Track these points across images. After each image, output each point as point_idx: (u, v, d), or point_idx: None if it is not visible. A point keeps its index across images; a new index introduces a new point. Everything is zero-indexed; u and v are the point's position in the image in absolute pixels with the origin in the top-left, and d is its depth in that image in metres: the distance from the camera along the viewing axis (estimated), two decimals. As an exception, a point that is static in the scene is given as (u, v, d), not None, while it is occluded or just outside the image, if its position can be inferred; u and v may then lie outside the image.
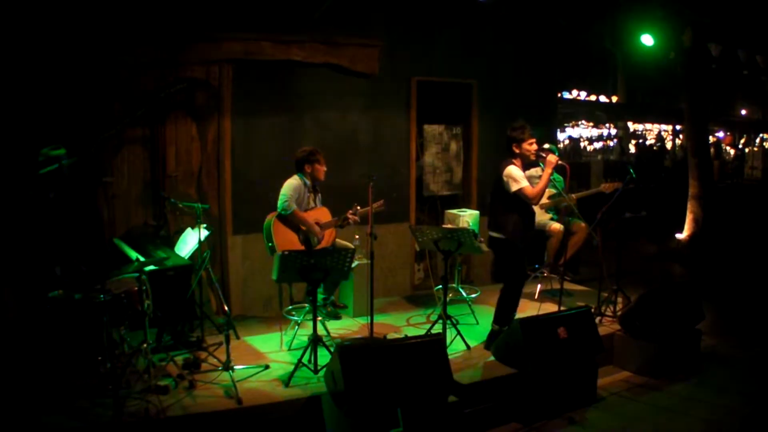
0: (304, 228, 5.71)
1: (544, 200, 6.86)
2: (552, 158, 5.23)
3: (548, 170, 5.21)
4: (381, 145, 7.07)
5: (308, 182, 5.76)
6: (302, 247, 5.67)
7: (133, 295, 4.52)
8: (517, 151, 5.23)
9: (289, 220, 5.63)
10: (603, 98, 23.32)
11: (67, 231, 4.75)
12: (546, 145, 6.01)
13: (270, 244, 5.55)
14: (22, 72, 5.29)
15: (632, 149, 24.02)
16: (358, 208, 5.84)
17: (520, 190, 5.13)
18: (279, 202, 5.60)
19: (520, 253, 5.31)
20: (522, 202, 5.20)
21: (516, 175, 5.14)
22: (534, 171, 6.18)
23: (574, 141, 24.62)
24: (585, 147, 24.66)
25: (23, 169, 4.43)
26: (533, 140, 5.25)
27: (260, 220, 6.16)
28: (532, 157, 5.30)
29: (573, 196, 6.50)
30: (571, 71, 15.88)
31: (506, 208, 5.23)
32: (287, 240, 5.60)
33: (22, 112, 5.29)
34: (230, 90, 6.17)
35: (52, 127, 5.41)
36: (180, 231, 5.83)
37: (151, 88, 5.84)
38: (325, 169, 5.81)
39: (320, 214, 5.85)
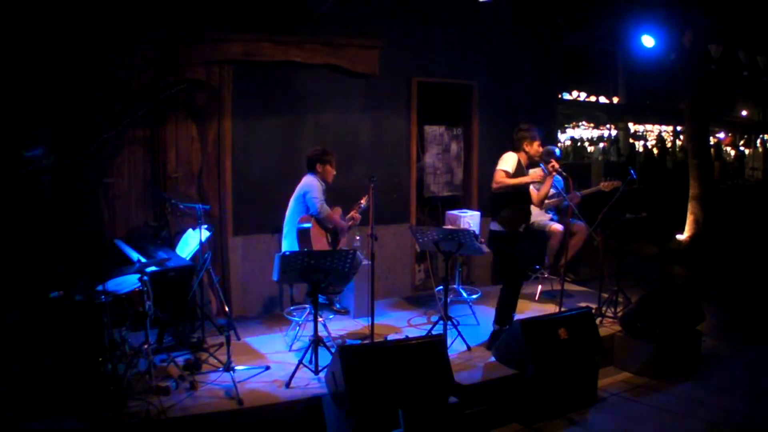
0: (331, 227, 5.70)
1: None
2: (539, 176, 5.48)
3: (533, 179, 5.41)
4: (381, 146, 7.07)
5: (322, 181, 5.73)
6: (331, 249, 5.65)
7: (134, 296, 4.52)
8: (527, 148, 5.39)
9: (321, 222, 5.61)
10: (603, 99, 23.29)
11: (60, 232, 4.75)
12: (552, 155, 6.08)
13: (306, 250, 5.42)
14: (18, 72, 5.30)
15: (640, 149, 23.99)
16: (361, 204, 5.86)
17: (498, 169, 5.29)
18: (312, 206, 5.53)
19: (517, 249, 5.36)
20: (516, 193, 5.29)
21: (506, 159, 5.33)
22: (531, 171, 6.19)
23: (576, 142, 24.62)
24: (586, 147, 24.66)
25: (11, 170, 4.42)
26: (540, 143, 5.43)
27: (261, 220, 6.17)
28: (537, 158, 5.47)
29: (578, 194, 6.56)
30: (572, 72, 15.86)
31: (500, 197, 5.35)
32: (321, 245, 5.58)
33: (17, 114, 5.30)
34: (230, 91, 6.17)
35: (49, 128, 5.43)
36: (181, 232, 5.84)
37: (152, 88, 5.85)
38: (335, 173, 5.78)
39: (336, 213, 5.84)
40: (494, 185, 5.30)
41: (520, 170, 5.34)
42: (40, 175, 4.37)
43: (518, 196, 5.35)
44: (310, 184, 5.63)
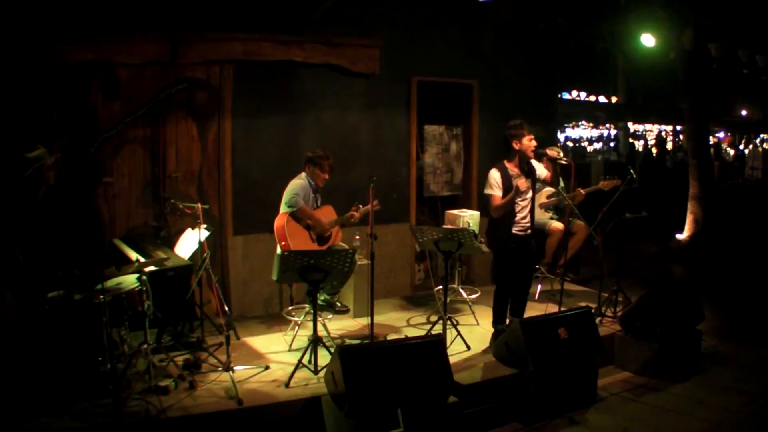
0: (310, 222, 5.70)
1: (544, 200, 6.87)
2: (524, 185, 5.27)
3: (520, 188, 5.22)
4: (381, 146, 7.07)
5: (312, 182, 5.75)
6: (315, 246, 5.65)
7: (134, 296, 4.52)
8: (517, 147, 5.24)
9: (299, 219, 5.62)
10: (603, 99, 23.31)
11: (62, 231, 4.74)
12: (552, 151, 6.05)
13: (284, 244, 5.50)
14: (19, 72, 5.29)
15: (640, 149, 23.98)
16: (360, 206, 5.85)
17: (489, 194, 5.22)
18: (285, 199, 5.57)
19: (506, 254, 5.30)
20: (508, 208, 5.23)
21: (490, 181, 5.23)
22: (539, 170, 6.19)
23: (576, 142, 24.62)
24: (585, 147, 24.67)
25: (12, 172, 4.41)
26: (532, 137, 5.26)
27: (261, 220, 6.17)
28: (531, 155, 5.29)
29: (582, 191, 6.54)
30: (571, 71, 15.85)
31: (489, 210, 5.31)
32: (301, 240, 5.59)
33: (17, 114, 5.30)
34: (231, 90, 6.17)
35: (50, 128, 5.42)
36: (180, 231, 5.83)
37: (152, 88, 5.85)
38: (325, 177, 5.77)
39: (325, 212, 5.85)
40: (494, 213, 5.23)
41: (506, 185, 5.20)
42: (44, 175, 4.35)
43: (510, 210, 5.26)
44: (294, 181, 5.70)
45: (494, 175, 5.22)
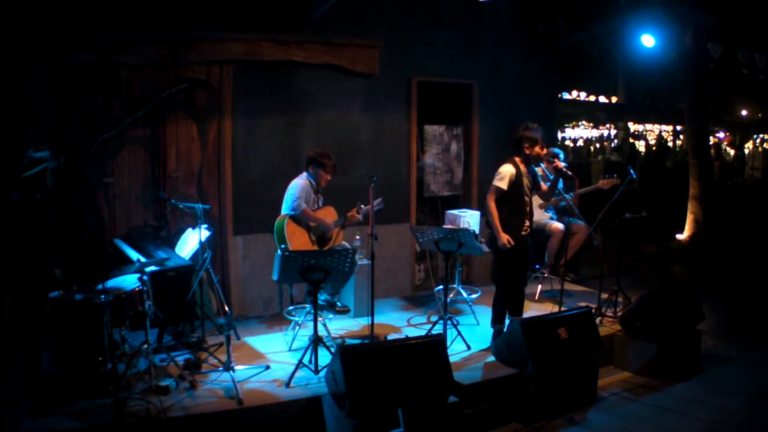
0: (314, 225, 5.70)
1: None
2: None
3: (503, 240, 5.19)
4: (381, 146, 7.07)
5: (314, 182, 5.75)
6: (315, 248, 5.64)
7: (134, 296, 4.52)
8: (528, 152, 5.27)
9: (299, 220, 5.61)
10: (603, 99, 23.29)
11: (60, 231, 4.73)
12: (555, 156, 6.07)
13: (283, 246, 5.49)
14: (20, 72, 5.30)
15: (641, 149, 23.99)
16: (362, 206, 5.84)
17: (493, 184, 5.23)
18: (287, 203, 5.56)
19: (507, 256, 5.26)
20: (511, 199, 5.23)
21: (503, 173, 5.22)
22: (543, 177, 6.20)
23: (585, 141, 24.61)
24: (590, 149, 24.67)
25: (11, 172, 4.40)
26: (542, 144, 5.32)
27: (261, 220, 6.17)
28: (538, 161, 5.40)
29: (577, 192, 6.55)
30: (571, 71, 15.86)
31: (497, 204, 5.27)
32: (301, 242, 5.58)
33: (16, 116, 5.30)
34: (231, 90, 6.17)
35: (51, 128, 5.43)
36: (180, 231, 5.84)
37: (152, 88, 5.85)
38: (328, 178, 5.76)
39: (326, 213, 5.85)
40: (486, 202, 5.26)
41: (518, 181, 5.23)
42: (47, 177, 4.35)
43: (512, 208, 5.25)
44: (295, 182, 5.68)
45: (508, 168, 5.24)
